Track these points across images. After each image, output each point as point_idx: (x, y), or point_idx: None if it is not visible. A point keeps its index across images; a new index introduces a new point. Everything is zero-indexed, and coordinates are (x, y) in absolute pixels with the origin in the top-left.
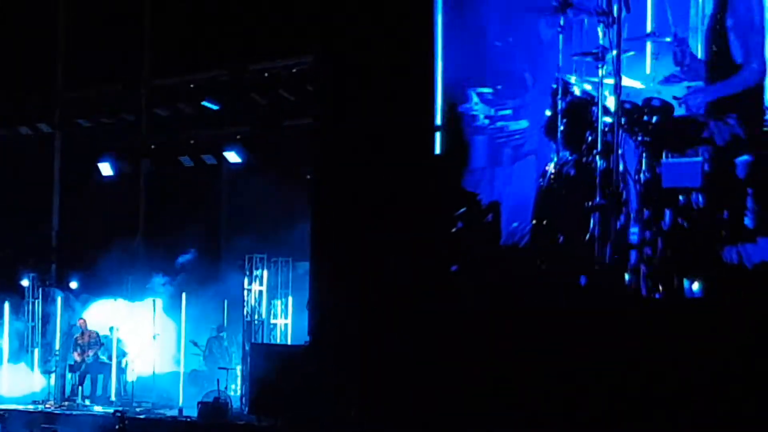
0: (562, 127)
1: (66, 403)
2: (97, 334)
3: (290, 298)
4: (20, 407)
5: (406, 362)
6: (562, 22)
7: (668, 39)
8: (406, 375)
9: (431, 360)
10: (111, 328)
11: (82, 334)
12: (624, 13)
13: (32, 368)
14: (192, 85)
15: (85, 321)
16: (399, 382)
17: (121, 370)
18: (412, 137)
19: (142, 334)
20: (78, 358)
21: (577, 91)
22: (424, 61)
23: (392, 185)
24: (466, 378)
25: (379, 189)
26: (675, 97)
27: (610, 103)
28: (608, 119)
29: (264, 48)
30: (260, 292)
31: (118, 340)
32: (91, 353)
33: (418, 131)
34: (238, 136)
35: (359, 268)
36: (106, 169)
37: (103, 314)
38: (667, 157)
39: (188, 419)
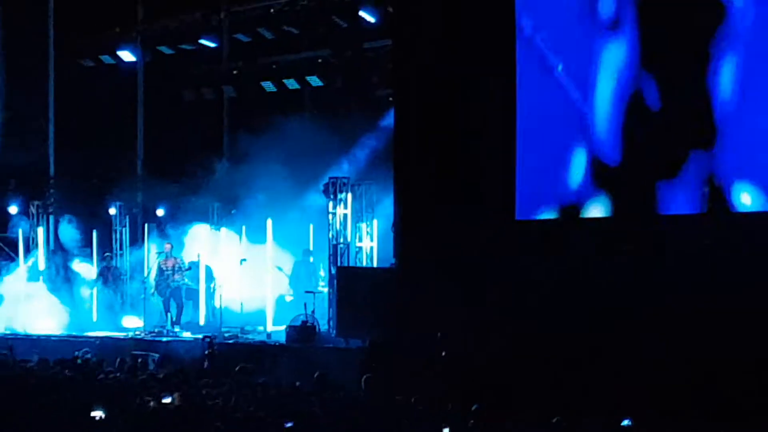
0: None
1: (155, 329)
2: (181, 259)
3: (375, 221)
4: (111, 334)
5: (491, 281)
6: None
7: None
8: (492, 294)
9: (519, 278)
10: (198, 255)
11: (166, 259)
12: None
13: (120, 296)
14: (272, 10)
15: (171, 246)
16: (485, 303)
17: (210, 296)
18: (496, 53)
19: (229, 259)
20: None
21: None
22: None
23: (478, 104)
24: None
25: (464, 110)
26: None
27: None
28: None
29: None
30: (345, 215)
31: (207, 267)
32: (177, 277)
33: (501, 47)
34: (320, 60)
35: (444, 189)
36: (207, 93)
37: (191, 240)
38: None
39: (276, 343)
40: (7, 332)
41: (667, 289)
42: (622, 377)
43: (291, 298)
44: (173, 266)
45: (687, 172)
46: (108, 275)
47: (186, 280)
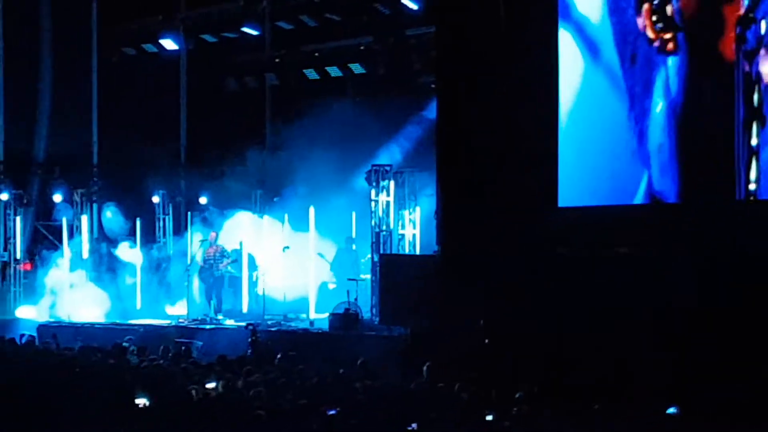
0: None
1: (199, 317)
2: (223, 248)
3: (418, 209)
4: (155, 322)
5: (534, 268)
6: None
7: None
8: (533, 284)
9: (561, 266)
10: (240, 243)
11: (210, 247)
12: None
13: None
14: None
15: (216, 234)
16: (527, 290)
17: (253, 284)
18: (540, 40)
19: (272, 247)
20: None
21: None
22: None
23: (521, 92)
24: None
25: (507, 97)
26: None
27: None
28: None
29: None
30: (387, 202)
31: (249, 255)
32: (222, 267)
33: (544, 34)
34: (362, 47)
35: (486, 177)
36: (249, 81)
37: (234, 228)
38: None
39: (319, 331)
40: (52, 320)
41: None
42: (667, 366)
43: (334, 285)
44: (214, 254)
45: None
46: (158, 265)
47: (230, 268)
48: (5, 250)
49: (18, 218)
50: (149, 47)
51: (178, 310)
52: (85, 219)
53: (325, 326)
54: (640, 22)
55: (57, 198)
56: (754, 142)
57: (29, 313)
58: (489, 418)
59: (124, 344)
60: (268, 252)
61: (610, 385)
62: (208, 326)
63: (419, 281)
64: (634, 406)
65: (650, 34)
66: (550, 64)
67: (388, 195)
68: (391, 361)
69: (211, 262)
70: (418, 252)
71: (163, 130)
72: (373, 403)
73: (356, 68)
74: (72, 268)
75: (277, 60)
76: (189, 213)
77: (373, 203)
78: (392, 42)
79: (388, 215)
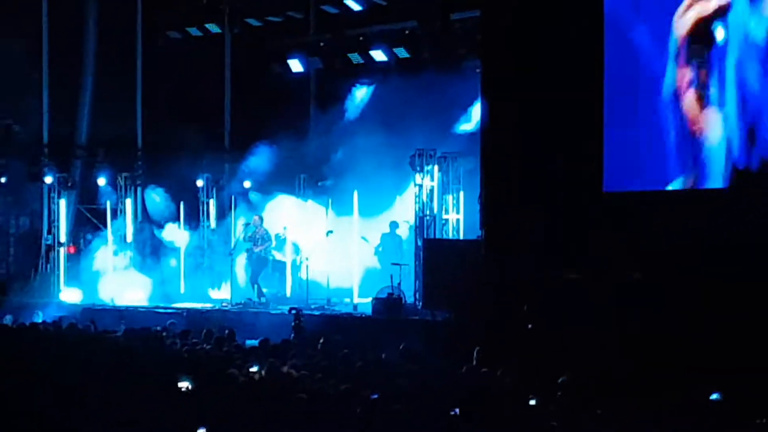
0: None
1: (242, 301)
2: (266, 231)
3: (461, 193)
4: (198, 306)
5: (577, 253)
6: None
7: None
8: (577, 266)
9: (605, 250)
10: (284, 227)
11: (255, 230)
12: None
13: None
14: None
15: (259, 218)
16: (571, 275)
17: (296, 268)
18: (584, 23)
19: (315, 231)
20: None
21: None
22: None
23: (567, 76)
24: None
25: (553, 81)
26: None
27: None
28: None
29: None
30: (431, 187)
31: (293, 243)
32: (256, 249)
33: (589, 17)
34: (407, 31)
35: (531, 160)
36: (295, 65)
37: (277, 212)
38: None
39: (362, 315)
40: (95, 304)
41: None
42: (714, 351)
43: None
44: (252, 236)
45: None
46: (204, 249)
47: (275, 253)
48: (49, 233)
49: (62, 201)
50: (194, 31)
51: (222, 294)
52: (129, 202)
53: (369, 311)
54: None
55: (101, 181)
56: None
57: (73, 297)
58: (532, 402)
59: (161, 333)
60: (312, 236)
61: (659, 371)
62: (251, 310)
63: (463, 266)
64: (676, 395)
65: None
66: (597, 47)
67: (432, 179)
68: (434, 346)
69: (252, 244)
70: (461, 237)
71: (207, 114)
72: (415, 388)
73: (401, 52)
74: (116, 252)
75: (321, 44)
76: (232, 197)
77: (417, 188)
78: (437, 26)
79: (431, 200)
